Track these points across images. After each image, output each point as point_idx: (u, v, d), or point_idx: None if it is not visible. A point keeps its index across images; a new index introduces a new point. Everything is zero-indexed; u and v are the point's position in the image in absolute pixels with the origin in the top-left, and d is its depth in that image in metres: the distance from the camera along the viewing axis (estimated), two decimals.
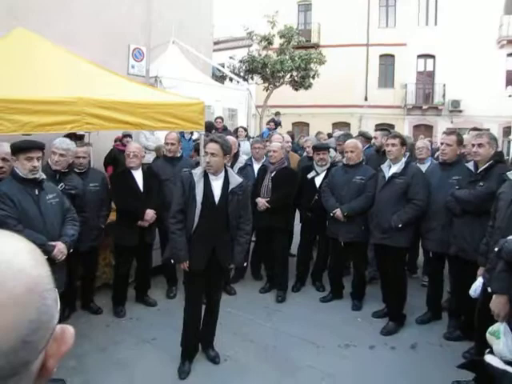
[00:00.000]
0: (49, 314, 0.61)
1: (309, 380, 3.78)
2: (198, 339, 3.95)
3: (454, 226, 4.27)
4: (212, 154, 3.52)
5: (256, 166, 5.88)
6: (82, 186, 4.47)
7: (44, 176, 3.39)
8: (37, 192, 3.28)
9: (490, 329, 2.81)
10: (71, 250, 3.50)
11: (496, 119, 20.72)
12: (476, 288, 3.62)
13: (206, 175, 3.63)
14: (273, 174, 5.39)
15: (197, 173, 3.64)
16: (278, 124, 11.86)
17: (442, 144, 4.57)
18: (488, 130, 6.11)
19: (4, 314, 0.55)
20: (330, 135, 10.44)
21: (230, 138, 6.14)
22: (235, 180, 3.66)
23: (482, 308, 3.49)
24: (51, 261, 3.24)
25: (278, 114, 13.28)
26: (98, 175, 4.96)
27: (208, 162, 3.53)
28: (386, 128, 6.74)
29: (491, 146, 4.01)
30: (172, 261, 3.93)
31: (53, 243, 3.27)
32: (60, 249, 3.30)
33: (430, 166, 5.37)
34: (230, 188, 3.62)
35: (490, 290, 3.00)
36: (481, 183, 3.99)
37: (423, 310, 4.93)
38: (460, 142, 4.47)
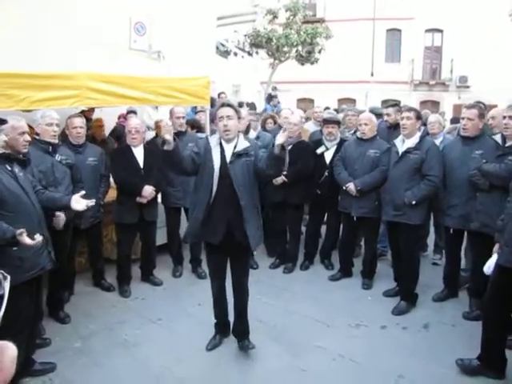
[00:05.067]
0: None
1: (319, 360, 3.68)
2: (226, 316, 3.90)
3: (478, 201, 4.10)
4: (228, 116, 3.41)
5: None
6: (74, 158, 4.27)
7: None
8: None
9: None
10: None
11: (504, 95, 20.30)
12: (490, 265, 3.48)
13: (220, 143, 3.51)
14: (289, 148, 5.22)
15: (213, 139, 3.54)
16: (273, 97, 11.72)
17: (463, 119, 4.28)
18: (496, 106, 5.91)
19: None
20: (336, 111, 10.25)
21: (243, 111, 6.01)
22: (243, 144, 3.50)
23: (494, 288, 3.36)
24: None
25: (274, 88, 13.15)
26: (96, 150, 4.76)
27: (226, 125, 3.40)
28: (396, 103, 6.48)
29: None
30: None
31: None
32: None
33: (444, 140, 5.18)
34: (235, 151, 3.47)
35: None
36: (510, 157, 3.81)
37: (435, 289, 4.84)
38: (482, 116, 4.24)
